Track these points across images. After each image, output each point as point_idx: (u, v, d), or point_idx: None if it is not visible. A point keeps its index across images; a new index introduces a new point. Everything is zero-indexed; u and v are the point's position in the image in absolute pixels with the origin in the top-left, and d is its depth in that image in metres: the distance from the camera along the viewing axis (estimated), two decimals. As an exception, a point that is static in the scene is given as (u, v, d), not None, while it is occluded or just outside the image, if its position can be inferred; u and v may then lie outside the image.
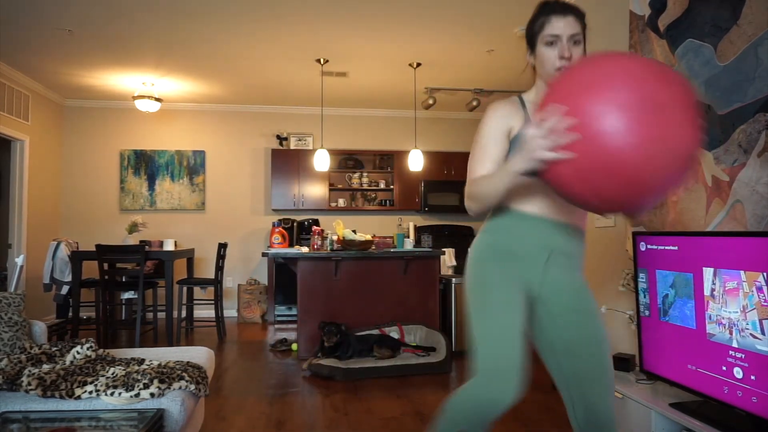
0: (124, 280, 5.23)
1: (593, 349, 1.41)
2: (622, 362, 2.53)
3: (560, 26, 1.36)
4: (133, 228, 5.24)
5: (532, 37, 1.43)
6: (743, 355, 1.70)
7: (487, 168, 1.43)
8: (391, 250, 4.65)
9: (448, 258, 5.93)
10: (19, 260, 3.54)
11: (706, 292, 1.86)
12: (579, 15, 1.40)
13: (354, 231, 4.69)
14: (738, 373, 1.73)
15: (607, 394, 1.41)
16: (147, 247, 4.99)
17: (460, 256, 6.32)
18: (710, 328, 1.84)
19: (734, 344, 1.74)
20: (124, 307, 5.82)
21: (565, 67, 1.34)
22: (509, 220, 1.47)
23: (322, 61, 4.98)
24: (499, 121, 1.46)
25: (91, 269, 5.36)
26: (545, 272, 1.44)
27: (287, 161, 6.58)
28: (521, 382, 1.35)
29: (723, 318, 1.78)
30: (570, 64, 1.34)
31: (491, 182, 1.36)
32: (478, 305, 1.45)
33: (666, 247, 2.07)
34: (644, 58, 1.19)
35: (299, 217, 6.66)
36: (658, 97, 1.05)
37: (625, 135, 1.04)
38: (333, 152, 6.46)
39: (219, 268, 5.30)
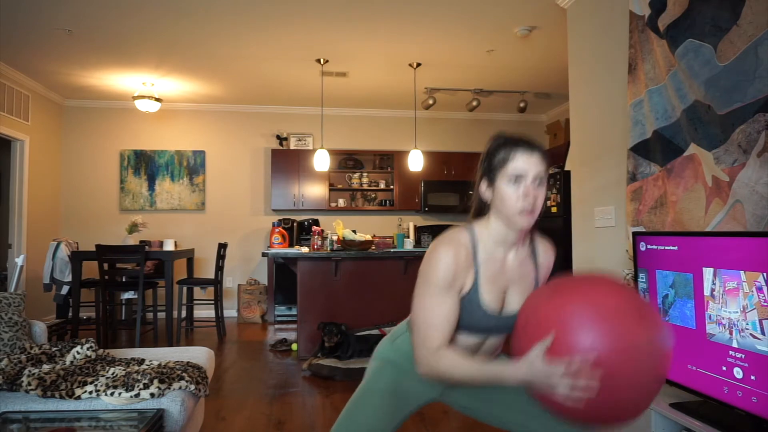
0: (124, 280, 5.23)
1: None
2: (622, 362, 2.52)
3: (527, 164, 1.25)
4: (133, 228, 5.24)
5: (491, 170, 1.30)
6: (743, 355, 1.70)
7: (440, 332, 1.27)
8: (391, 250, 4.66)
9: (448, 258, 5.89)
10: (19, 260, 3.54)
11: (706, 292, 1.86)
12: (544, 154, 1.29)
13: (354, 231, 4.70)
14: (738, 373, 1.73)
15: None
16: (147, 247, 4.99)
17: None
18: (710, 328, 1.84)
19: (734, 344, 1.74)
20: (124, 307, 5.82)
21: (527, 212, 1.25)
22: None
23: (322, 61, 4.98)
24: (449, 276, 1.28)
25: (91, 269, 5.36)
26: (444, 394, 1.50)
27: (287, 161, 6.58)
28: None
29: (723, 318, 1.78)
30: (532, 207, 1.26)
31: (471, 373, 1.24)
32: (359, 391, 1.49)
33: (666, 247, 2.07)
34: (626, 292, 1.25)
35: (299, 217, 6.66)
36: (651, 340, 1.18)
37: (635, 383, 1.16)
38: (333, 152, 6.46)
39: (219, 268, 5.30)
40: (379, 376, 1.47)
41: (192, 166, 6.61)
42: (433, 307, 1.28)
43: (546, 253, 1.49)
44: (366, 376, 1.52)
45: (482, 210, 1.37)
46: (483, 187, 1.34)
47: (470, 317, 1.33)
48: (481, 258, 1.34)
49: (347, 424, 1.41)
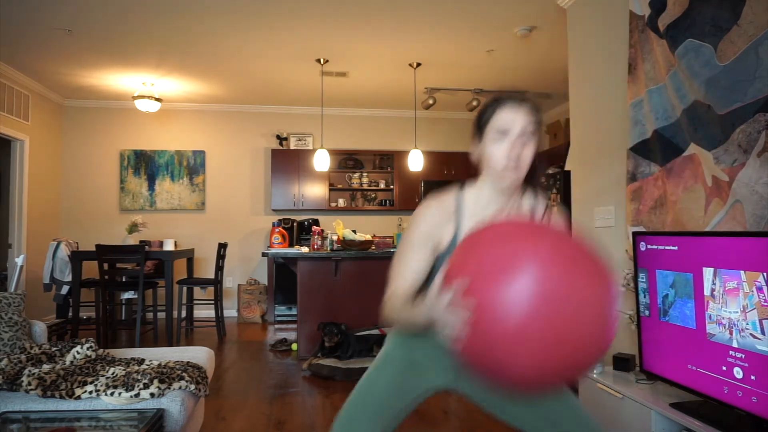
0: (124, 280, 5.23)
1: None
2: (622, 362, 2.52)
3: (511, 117, 1.24)
4: (133, 228, 5.24)
5: (480, 127, 1.30)
6: (743, 355, 1.70)
7: (408, 281, 1.29)
8: (391, 250, 4.65)
9: (448, 258, 5.89)
10: (19, 260, 3.54)
11: (706, 292, 1.86)
12: (533, 108, 1.27)
13: (354, 231, 4.70)
14: (738, 373, 1.73)
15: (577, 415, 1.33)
16: (147, 247, 4.99)
17: (460, 256, 6.34)
18: (710, 328, 1.84)
19: (734, 344, 1.74)
20: (124, 307, 5.82)
21: (513, 166, 1.23)
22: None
23: (322, 61, 4.98)
24: (427, 229, 1.30)
25: (91, 269, 5.36)
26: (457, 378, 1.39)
27: (287, 161, 6.58)
28: None
29: (723, 318, 1.78)
30: (518, 162, 1.23)
31: (407, 313, 1.21)
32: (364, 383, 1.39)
33: (666, 247, 2.07)
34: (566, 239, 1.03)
35: (299, 217, 6.66)
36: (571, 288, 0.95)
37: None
38: (333, 152, 6.46)
39: (219, 268, 5.30)
40: (397, 346, 1.43)
41: (192, 166, 6.61)
42: (405, 258, 1.31)
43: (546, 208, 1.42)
44: (385, 345, 1.48)
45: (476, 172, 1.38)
46: (474, 147, 1.34)
47: None
48: (465, 215, 1.33)
49: (363, 392, 1.37)
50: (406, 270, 1.30)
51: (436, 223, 1.31)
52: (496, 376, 1.02)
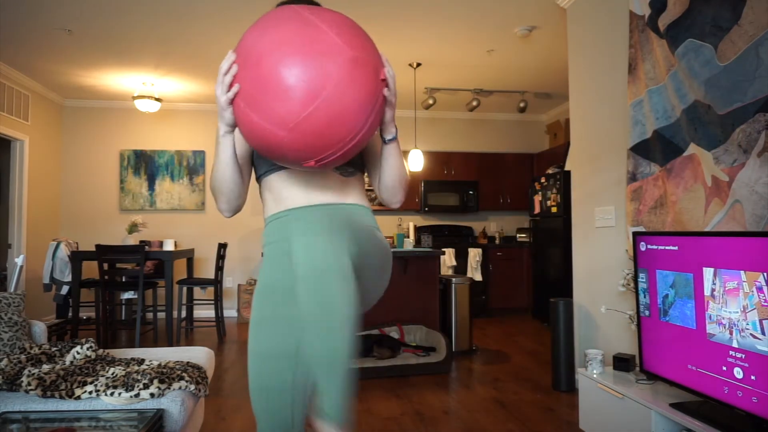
0: (123, 280, 5.23)
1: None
2: (622, 362, 2.53)
3: None
4: (133, 228, 5.24)
5: None
6: (743, 355, 1.70)
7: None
8: (392, 250, 4.65)
9: (447, 258, 5.92)
10: (19, 260, 3.53)
11: (706, 292, 1.86)
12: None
13: (354, 231, 4.69)
14: (738, 373, 1.73)
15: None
16: (147, 247, 4.99)
17: (460, 256, 6.33)
18: (710, 328, 1.84)
19: (734, 344, 1.74)
20: (124, 307, 5.82)
21: None
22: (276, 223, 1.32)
23: (322, 61, 4.98)
24: None
25: (91, 269, 5.36)
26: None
27: (287, 161, 6.58)
28: None
29: (723, 318, 1.78)
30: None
31: (216, 166, 1.28)
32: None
33: (666, 247, 2.07)
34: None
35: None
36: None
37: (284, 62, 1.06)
38: (333, 152, 6.45)
39: (219, 268, 5.30)
40: (265, 249, 1.33)
41: (192, 166, 6.61)
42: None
43: None
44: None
45: None
46: None
47: None
48: None
49: (257, 302, 1.28)
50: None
51: None
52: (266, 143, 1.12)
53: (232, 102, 1.14)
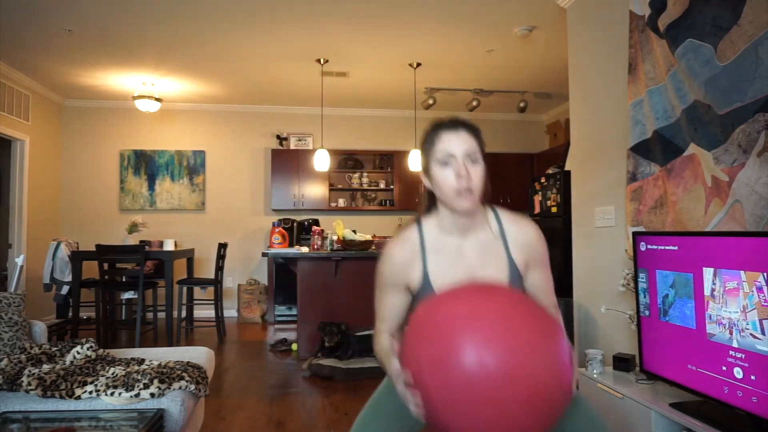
0: (124, 280, 5.23)
1: None
2: (622, 362, 2.52)
3: (452, 142, 1.23)
4: (133, 228, 5.24)
5: (426, 158, 1.29)
6: (743, 355, 1.70)
7: (386, 322, 1.36)
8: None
9: (448, 258, 5.88)
10: (19, 260, 3.54)
11: (706, 292, 1.86)
12: (473, 130, 1.28)
13: (354, 231, 4.69)
14: (738, 373, 1.73)
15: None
16: (147, 247, 4.99)
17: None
18: (710, 328, 1.84)
19: (734, 344, 1.74)
20: (124, 307, 5.82)
21: (465, 189, 1.21)
22: None
23: (322, 61, 4.98)
24: (395, 270, 1.33)
25: (91, 269, 5.36)
26: None
27: (287, 161, 6.58)
28: None
29: (723, 318, 1.78)
30: (469, 184, 1.22)
31: (387, 362, 1.25)
32: None
33: (666, 247, 2.07)
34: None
35: (299, 217, 6.66)
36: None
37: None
38: (333, 152, 6.45)
39: (219, 268, 5.30)
40: None
41: (192, 166, 6.61)
42: (380, 301, 1.39)
43: (518, 226, 1.37)
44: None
45: (432, 204, 1.37)
46: (424, 179, 1.34)
47: None
48: (429, 250, 1.33)
49: (377, 399, 1.39)
50: (384, 311, 1.37)
51: (402, 263, 1.33)
52: None
53: None
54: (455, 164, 1.23)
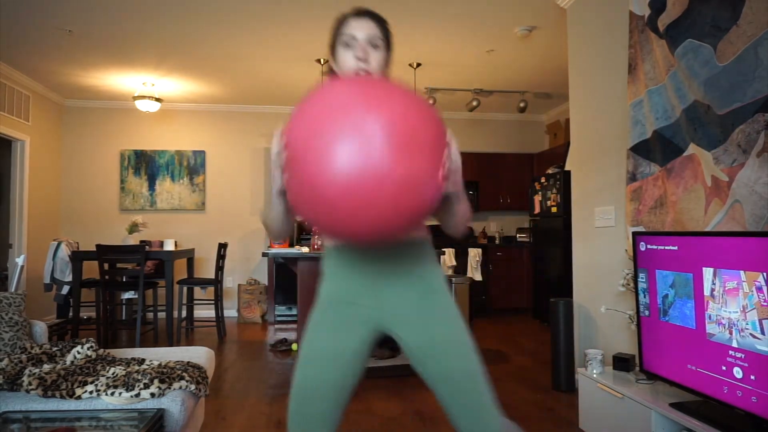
0: (124, 280, 5.23)
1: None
2: (622, 362, 2.53)
3: (356, 27, 1.32)
4: (133, 228, 5.24)
5: (333, 41, 1.37)
6: (743, 355, 1.71)
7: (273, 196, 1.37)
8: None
9: (448, 258, 5.92)
10: (20, 260, 3.54)
11: (706, 292, 1.86)
12: (378, 19, 1.35)
13: (354, 231, 4.69)
14: (738, 373, 1.73)
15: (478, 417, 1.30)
16: (147, 247, 4.99)
17: (460, 256, 6.33)
18: (710, 328, 1.84)
19: (734, 344, 1.74)
20: (124, 307, 5.82)
21: (362, 69, 1.29)
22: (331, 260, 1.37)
23: (322, 61, 4.98)
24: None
25: (91, 269, 5.36)
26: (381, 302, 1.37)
27: (287, 161, 6.58)
28: None
29: (723, 318, 1.79)
30: (367, 66, 1.29)
31: (269, 208, 1.30)
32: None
33: (666, 247, 2.08)
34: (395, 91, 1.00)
35: (299, 217, 6.65)
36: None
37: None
38: (333, 152, 6.45)
39: (219, 268, 5.30)
40: (321, 292, 1.44)
41: (192, 166, 6.61)
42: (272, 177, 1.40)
43: None
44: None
45: None
46: (331, 60, 1.40)
47: None
48: None
49: (306, 345, 1.41)
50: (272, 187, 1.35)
51: None
52: (334, 230, 1.06)
53: None
54: (356, 46, 1.30)
